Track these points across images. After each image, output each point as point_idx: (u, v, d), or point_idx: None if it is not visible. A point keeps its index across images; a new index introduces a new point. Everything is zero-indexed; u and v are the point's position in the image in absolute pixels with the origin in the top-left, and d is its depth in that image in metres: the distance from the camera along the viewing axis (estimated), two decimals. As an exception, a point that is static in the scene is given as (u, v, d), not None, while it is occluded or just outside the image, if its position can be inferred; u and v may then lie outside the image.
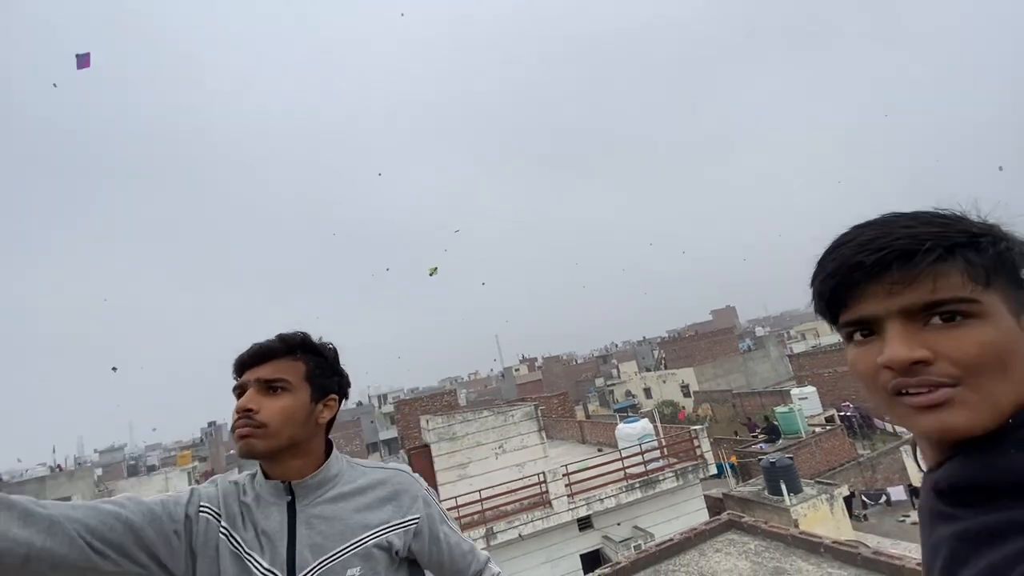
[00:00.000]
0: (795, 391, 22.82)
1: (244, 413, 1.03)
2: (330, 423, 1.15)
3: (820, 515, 11.10)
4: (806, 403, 20.86)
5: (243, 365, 1.09)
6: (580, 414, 32.37)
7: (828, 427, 19.09)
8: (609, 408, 46.29)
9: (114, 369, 37.18)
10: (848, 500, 12.72)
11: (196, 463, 42.05)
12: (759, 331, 60.25)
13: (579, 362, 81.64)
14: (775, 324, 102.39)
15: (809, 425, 18.76)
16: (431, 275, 16.33)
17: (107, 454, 63.30)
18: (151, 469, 44.63)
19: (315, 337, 1.16)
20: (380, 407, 56.71)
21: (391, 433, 51.56)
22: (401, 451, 21.76)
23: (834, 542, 4.29)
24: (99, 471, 44.86)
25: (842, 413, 22.63)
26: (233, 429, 1.06)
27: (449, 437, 11.99)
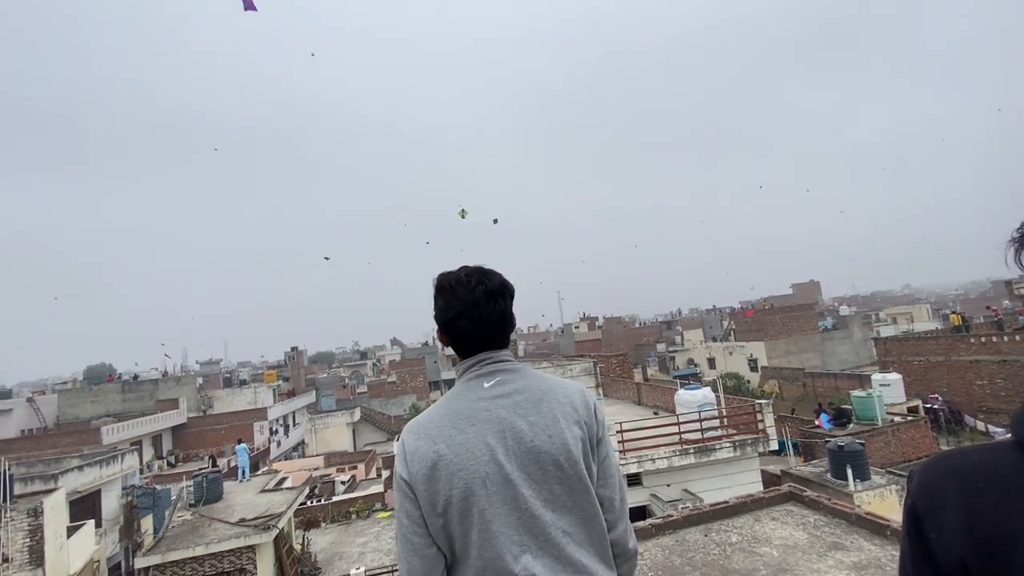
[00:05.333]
0: (877, 376, 21.23)
1: None
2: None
3: (887, 505, 10.55)
4: (888, 390, 19.39)
5: None
6: (638, 377, 32.18)
7: (910, 417, 17.74)
8: (668, 374, 45.57)
9: (327, 258, 44.95)
10: (921, 495, 11.92)
11: (280, 382, 46.64)
12: (844, 310, 55.82)
13: (641, 325, 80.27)
14: (863, 305, 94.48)
15: (888, 413, 17.52)
16: (462, 217, 16.77)
17: (206, 366, 71.52)
18: (242, 383, 49.96)
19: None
20: (443, 349, 59.32)
21: (452, 374, 54.06)
22: (461, 392, 22.80)
23: (904, 527, 4.08)
24: (200, 380, 50.94)
25: (929, 405, 20.89)
26: None
27: (509, 382, 12.38)
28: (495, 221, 17.95)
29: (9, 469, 11.47)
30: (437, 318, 1.31)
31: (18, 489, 12.27)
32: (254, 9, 8.20)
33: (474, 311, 1.25)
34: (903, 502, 0.74)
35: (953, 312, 27.78)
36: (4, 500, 10.81)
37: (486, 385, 1.23)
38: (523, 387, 1.24)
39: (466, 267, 1.33)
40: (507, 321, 1.31)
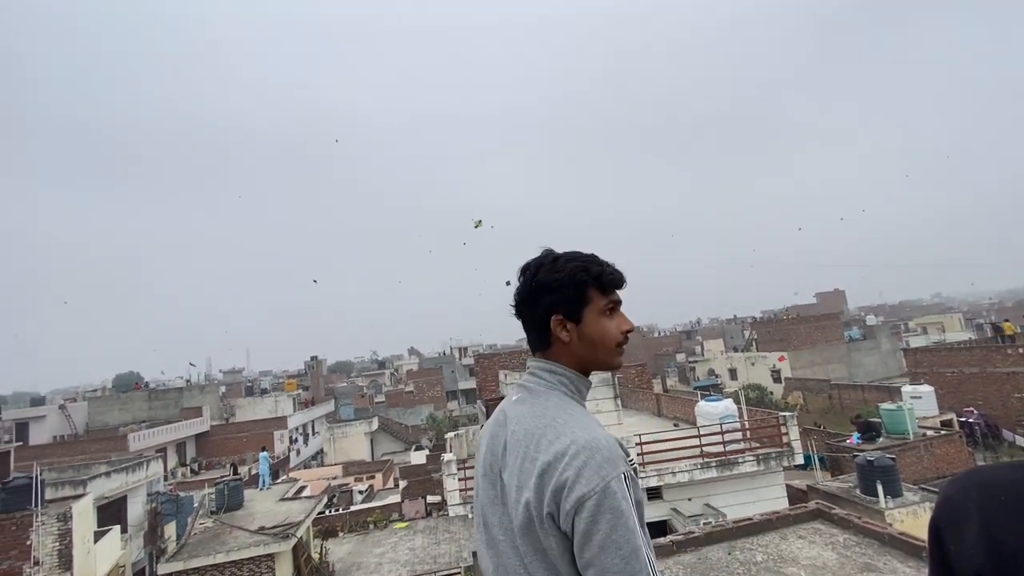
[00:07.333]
0: (907, 388, 20.53)
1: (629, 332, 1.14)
2: None
3: (920, 524, 10.13)
4: (919, 403, 18.73)
5: (623, 284, 1.16)
6: (657, 387, 31.71)
7: (943, 431, 17.08)
8: (688, 385, 44.82)
9: (315, 281, 48.56)
10: (957, 513, 11.42)
11: (300, 391, 47.16)
12: (871, 320, 54.34)
13: (659, 335, 79.32)
14: (890, 314, 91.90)
15: (920, 427, 16.89)
16: (476, 227, 16.99)
17: (229, 375, 72.84)
18: (263, 392, 50.72)
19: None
20: (460, 359, 59.39)
21: (469, 384, 54.05)
22: (478, 401, 22.84)
23: (940, 549, 3.89)
24: (223, 389, 51.84)
25: (963, 419, 20.10)
26: (623, 344, 1.13)
27: (526, 393, 12.30)
28: (508, 283, 18.82)
29: (41, 475, 11.80)
30: None
31: (49, 494, 12.61)
32: None
33: (516, 297, 1.15)
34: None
35: (1005, 320, 26.65)
36: (35, 505, 11.10)
37: (512, 398, 1.15)
38: (521, 417, 1.08)
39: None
40: (529, 310, 1.12)
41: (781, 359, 37.85)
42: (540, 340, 1.13)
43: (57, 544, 10.99)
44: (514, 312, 1.17)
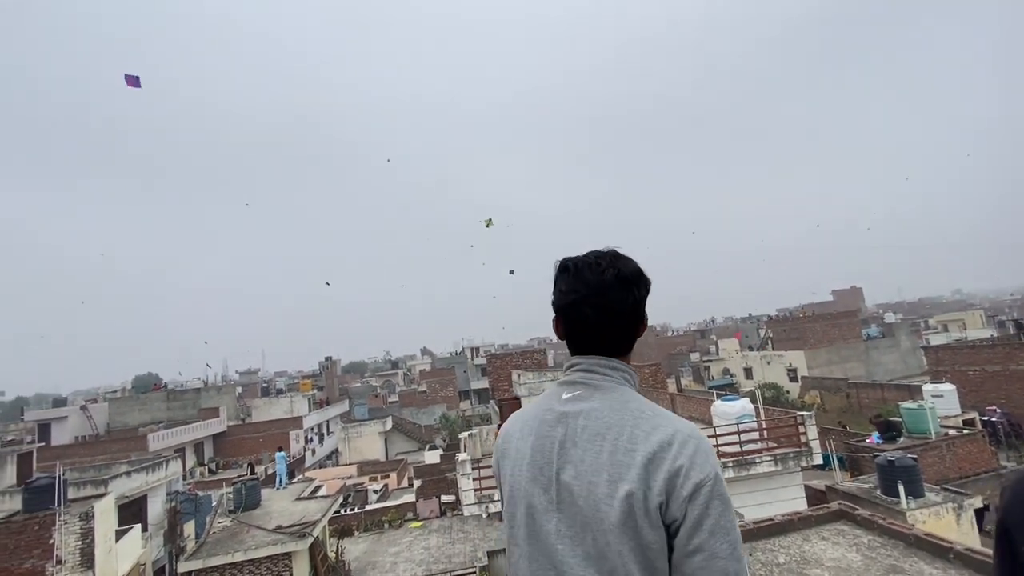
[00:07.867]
0: (928, 387, 20.12)
1: None
2: None
3: (943, 524, 9.93)
4: (941, 402, 18.34)
5: None
6: (671, 387, 31.46)
7: (966, 431, 16.71)
8: (703, 384, 44.42)
9: (327, 284, 51.18)
10: (980, 514, 11.19)
11: (315, 391, 47.60)
12: (889, 317, 53.40)
13: (673, 334, 78.76)
14: (909, 311, 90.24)
15: (942, 426, 16.54)
16: (487, 226, 17.30)
17: (245, 375, 73.91)
18: (279, 392, 51.27)
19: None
20: (472, 359, 59.52)
21: (481, 383, 54.15)
22: (491, 401, 22.86)
23: (968, 549, 3.79)
24: (239, 389, 52.54)
25: (986, 418, 19.66)
26: None
27: (539, 392, 12.29)
28: (511, 272, 19.49)
29: (63, 475, 12.04)
30: (555, 303, 1.15)
31: (71, 494, 12.84)
32: (138, 86, 8.73)
33: (600, 298, 1.07)
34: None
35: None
36: (58, 505, 11.32)
37: (564, 396, 1.10)
38: (593, 411, 1.04)
39: (596, 251, 1.15)
40: (638, 315, 1.10)
41: (737, 335, 37.37)
42: (626, 334, 1.11)
43: (79, 543, 11.19)
44: (582, 309, 1.09)
